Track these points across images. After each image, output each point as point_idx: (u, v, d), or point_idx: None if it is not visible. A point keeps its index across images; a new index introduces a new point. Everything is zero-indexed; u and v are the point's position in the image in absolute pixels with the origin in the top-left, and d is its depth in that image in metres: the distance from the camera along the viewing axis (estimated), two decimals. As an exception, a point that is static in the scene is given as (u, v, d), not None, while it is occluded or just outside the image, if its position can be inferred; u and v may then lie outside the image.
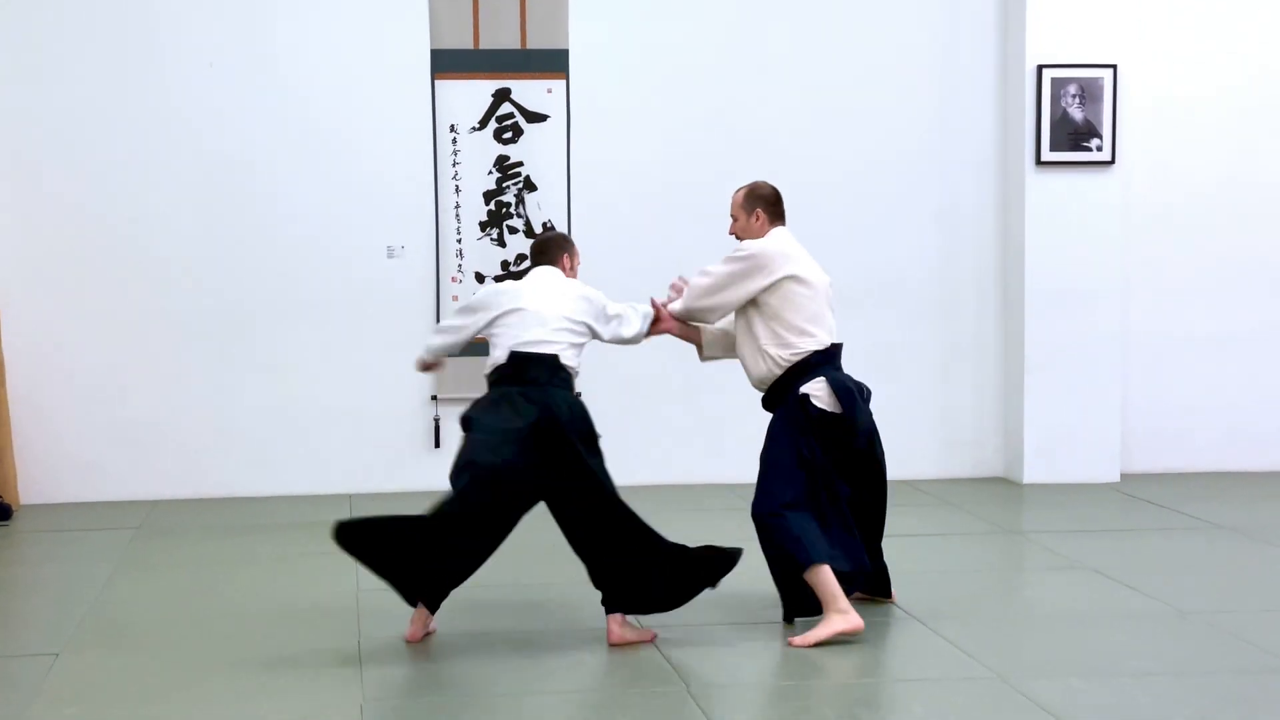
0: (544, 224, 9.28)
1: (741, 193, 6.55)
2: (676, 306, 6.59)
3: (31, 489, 9.04)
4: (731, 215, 6.57)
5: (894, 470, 9.58)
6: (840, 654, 6.01)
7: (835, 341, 6.43)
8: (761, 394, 6.51)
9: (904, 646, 6.13)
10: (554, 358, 6.10)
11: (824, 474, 6.27)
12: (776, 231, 6.49)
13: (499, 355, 6.13)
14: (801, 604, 6.27)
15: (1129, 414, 9.75)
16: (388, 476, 9.27)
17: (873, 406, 9.50)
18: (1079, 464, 9.54)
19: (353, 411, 9.29)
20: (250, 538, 8.11)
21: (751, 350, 6.42)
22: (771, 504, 6.18)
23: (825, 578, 6.07)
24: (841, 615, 6.06)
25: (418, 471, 9.22)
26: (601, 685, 5.74)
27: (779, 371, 6.33)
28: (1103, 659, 5.91)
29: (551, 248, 6.49)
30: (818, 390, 6.27)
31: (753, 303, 6.35)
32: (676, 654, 5.96)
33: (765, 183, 6.62)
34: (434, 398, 9.27)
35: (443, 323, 6.70)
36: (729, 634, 6.27)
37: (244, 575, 7.30)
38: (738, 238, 6.51)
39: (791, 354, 6.30)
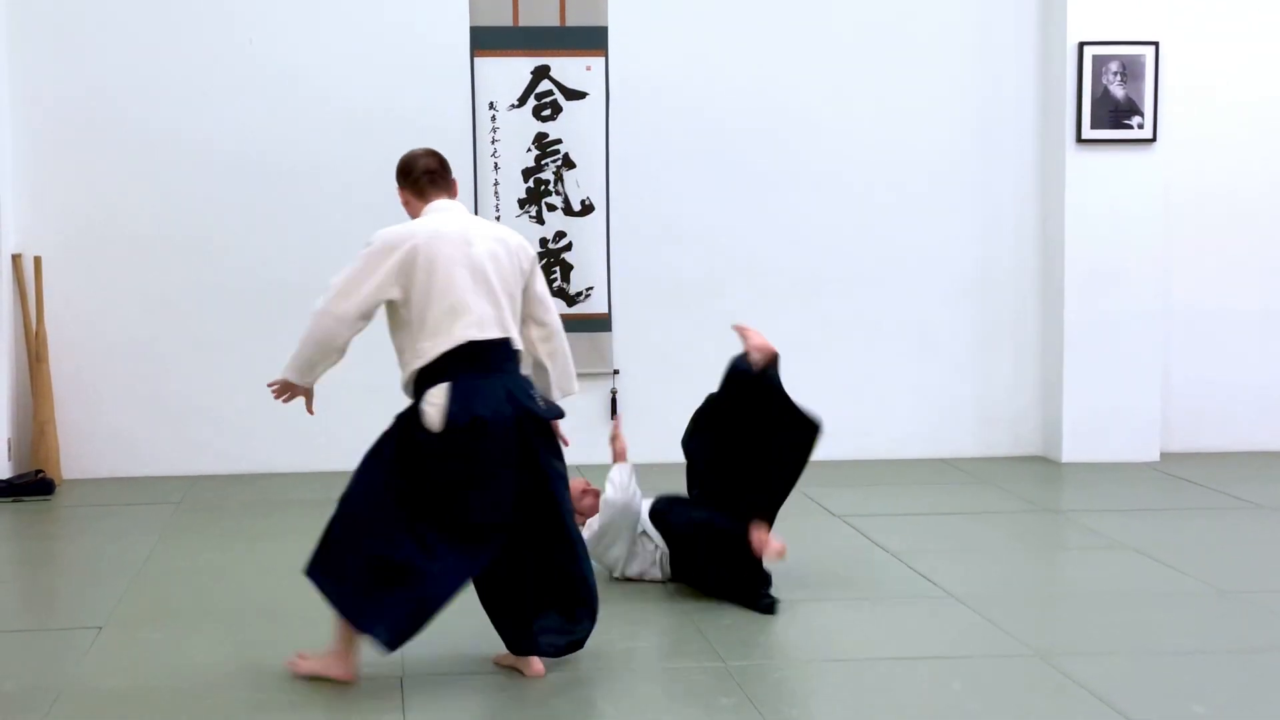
0: (582, 201, 9.29)
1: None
2: None
3: (73, 464, 9.12)
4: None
5: (932, 448, 9.70)
6: (878, 632, 6.02)
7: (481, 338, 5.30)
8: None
9: (942, 624, 6.13)
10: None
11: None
12: (431, 206, 5.54)
13: None
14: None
15: (1169, 393, 9.71)
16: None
17: (911, 385, 9.63)
18: (1118, 443, 9.50)
19: (392, 388, 9.27)
20: (291, 513, 8.14)
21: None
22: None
23: None
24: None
25: (456, 448, 9.28)
26: (643, 668, 5.76)
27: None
28: (1142, 638, 5.91)
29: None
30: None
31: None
32: (713, 633, 5.97)
33: (408, 153, 5.65)
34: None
35: None
36: (758, 612, 6.28)
37: (285, 550, 7.29)
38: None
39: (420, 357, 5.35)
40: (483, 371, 5.28)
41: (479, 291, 5.31)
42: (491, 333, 5.31)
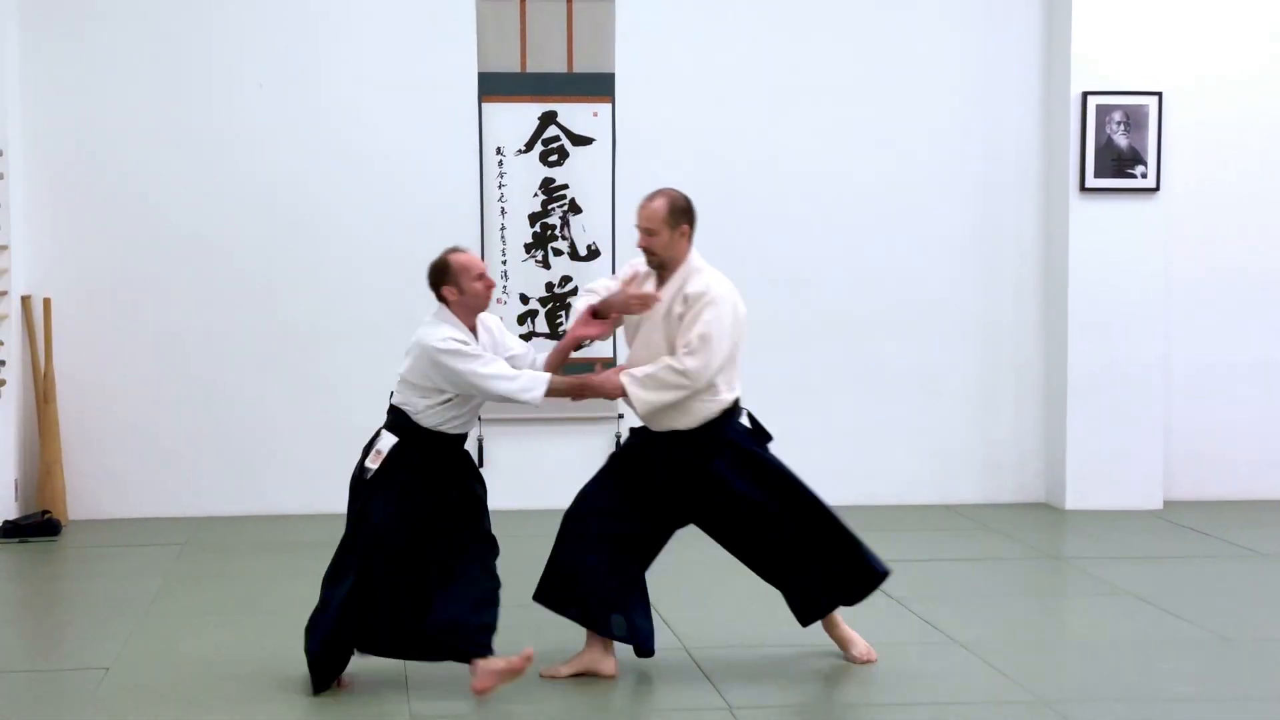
0: (588, 246, 9.34)
1: (662, 204, 6.08)
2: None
3: (80, 505, 9.13)
4: (650, 230, 6.04)
5: (935, 494, 9.70)
6: (882, 677, 6.03)
7: None
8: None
9: (945, 670, 6.14)
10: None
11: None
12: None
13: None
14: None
15: (1172, 440, 9.72)
16: (431, 496, 9.32)
17: (914, 431, 9.65)
18: (1121, 490, 9.51)
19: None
20: (296, 554, 8.14)
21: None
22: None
23: None
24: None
25: (461, 491, 9.30)
26: (647, 709, 5.77)
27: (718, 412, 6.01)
28: (1144, 685, 5.91)
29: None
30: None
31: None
32: (717, 673, 5.99)
33: (680, 191, 6.16)
34: (478, 418, 9.30)
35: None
36: (769, 655, 6.29)
37: (290, 591, 7.31)
38: (653, 254, 6.05)
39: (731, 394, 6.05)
40: None
41: None
42: None
